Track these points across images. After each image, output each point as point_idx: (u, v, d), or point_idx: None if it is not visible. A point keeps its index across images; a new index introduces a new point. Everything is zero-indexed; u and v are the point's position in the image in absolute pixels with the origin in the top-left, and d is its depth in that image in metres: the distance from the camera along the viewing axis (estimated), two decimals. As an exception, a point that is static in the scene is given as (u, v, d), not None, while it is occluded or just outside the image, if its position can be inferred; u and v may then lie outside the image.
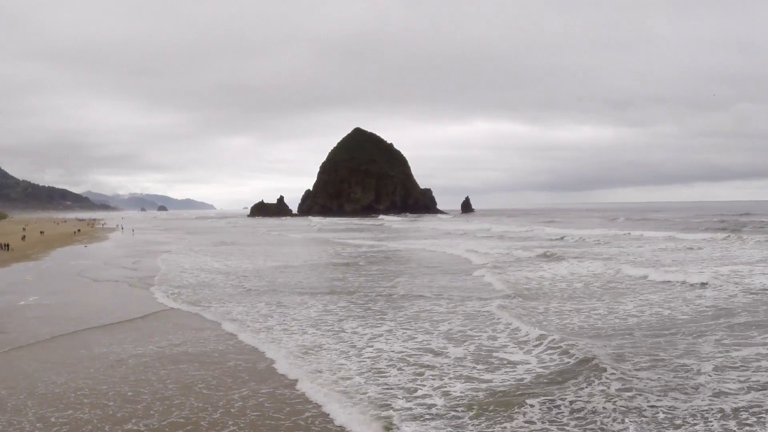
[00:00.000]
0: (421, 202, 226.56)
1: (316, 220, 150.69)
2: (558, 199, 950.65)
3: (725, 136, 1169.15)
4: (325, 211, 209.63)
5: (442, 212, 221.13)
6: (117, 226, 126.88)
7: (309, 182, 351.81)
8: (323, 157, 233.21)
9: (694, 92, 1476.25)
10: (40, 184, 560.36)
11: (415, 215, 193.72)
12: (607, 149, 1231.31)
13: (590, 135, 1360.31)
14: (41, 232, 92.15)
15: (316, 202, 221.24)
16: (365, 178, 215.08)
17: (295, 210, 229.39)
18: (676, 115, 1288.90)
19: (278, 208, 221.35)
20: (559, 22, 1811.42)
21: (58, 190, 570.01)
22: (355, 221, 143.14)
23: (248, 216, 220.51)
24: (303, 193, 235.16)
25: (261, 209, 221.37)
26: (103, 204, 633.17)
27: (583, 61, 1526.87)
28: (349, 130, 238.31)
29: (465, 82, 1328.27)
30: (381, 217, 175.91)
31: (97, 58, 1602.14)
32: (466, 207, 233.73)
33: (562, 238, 59.97)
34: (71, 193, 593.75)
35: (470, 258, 40.46)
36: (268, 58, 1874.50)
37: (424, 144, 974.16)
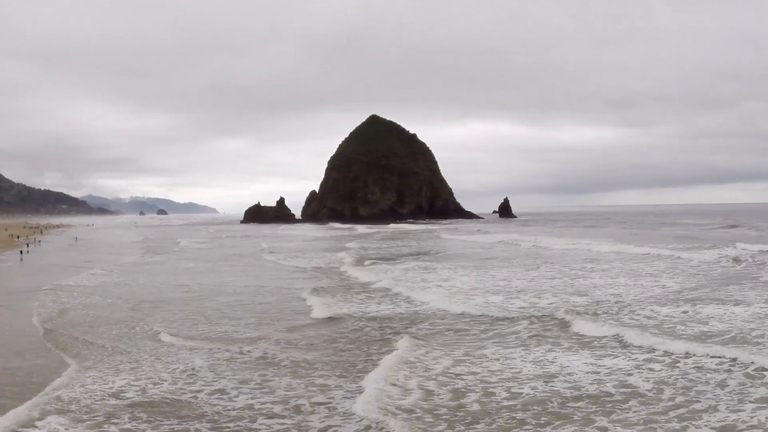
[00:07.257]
0: (451, 205, 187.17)
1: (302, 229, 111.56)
2: (560, 202, 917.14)
3: (730, 136, 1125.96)
4: (336, 216, 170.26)
5: (476, 216, 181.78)
6: (34, 240, 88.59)
7: (312, 185, 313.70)
8: (321, 160, 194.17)
9: (698, 90, 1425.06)
10: (38, 188, 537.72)
11: (449, 221, 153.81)
12: (608, 151, 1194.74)
13: (590, 136, 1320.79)
14: None
15: (324, 205, 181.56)
16: (385, 176, 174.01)
17: (298, 215, 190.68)
18: (678, 115, 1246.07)
19: (278, 213, 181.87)
20: (556, 17, 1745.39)
21: (54, 193, 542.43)
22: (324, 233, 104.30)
23: (241, 222, 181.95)
24: (308, 195, 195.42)
25: (257, 214, 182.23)
26: (102, 208, 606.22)
27: (581, 57, 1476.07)
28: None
29: (459, 81, 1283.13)
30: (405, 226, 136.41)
31: (80, 58, 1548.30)
32: (505, 211, 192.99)
33: None
34: (68, 196, 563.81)
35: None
36: (253, 56, 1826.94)
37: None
